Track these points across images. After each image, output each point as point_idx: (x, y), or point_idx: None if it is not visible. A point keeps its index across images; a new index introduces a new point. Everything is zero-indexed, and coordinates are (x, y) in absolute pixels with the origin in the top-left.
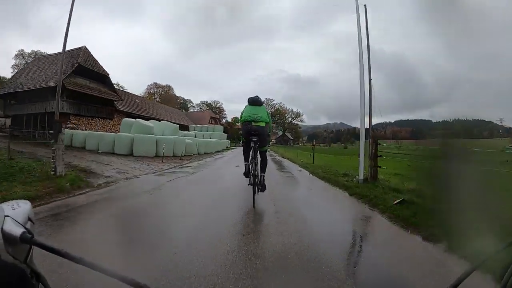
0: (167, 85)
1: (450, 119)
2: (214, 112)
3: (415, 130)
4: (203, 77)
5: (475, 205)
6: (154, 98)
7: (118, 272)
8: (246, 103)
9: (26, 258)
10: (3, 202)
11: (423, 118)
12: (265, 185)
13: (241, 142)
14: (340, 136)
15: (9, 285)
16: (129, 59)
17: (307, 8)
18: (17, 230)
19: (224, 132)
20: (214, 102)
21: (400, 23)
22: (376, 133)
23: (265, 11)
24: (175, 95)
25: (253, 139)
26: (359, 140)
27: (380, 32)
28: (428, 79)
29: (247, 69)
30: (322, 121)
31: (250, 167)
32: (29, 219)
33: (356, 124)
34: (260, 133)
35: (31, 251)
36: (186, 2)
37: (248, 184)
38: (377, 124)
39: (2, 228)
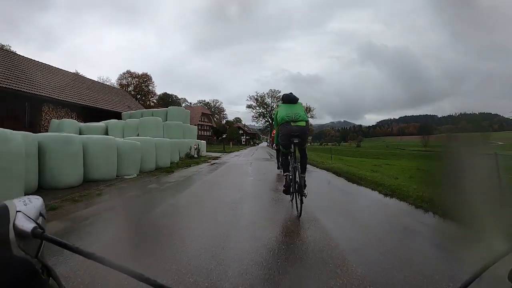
0: (144, 73)
1: (456, 114)
2: (211, 110)
3: (423, 125)
4: (205, 80)
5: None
6: (129, 91)
7: (129, 268)
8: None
9: (37, 253)
10: (15, 198)
11: (428, 114)
12: (305, 185)
13: (273, 147)
14: (346, 134)
15: (20, 280)
16: (129, 61)
17: (310, 6)
18: (29, 225)
19: (217, 132)
20: (214, 101)
21: (402, 16)
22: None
23: (267, 11)
24: (153, 90)
25: (294, 141)
26: (368, 137)
27: (383, 27)
28: (433, 73)
29: (250, 70)
30: (327, 119)
31: (291, 178)
32: (41, 215)
33: (361, 121)
34: (301, 133)
35: (42, 246)
36: (186, 5)
37: (291, 200)
38: (382, 121)
39: (14, 223)
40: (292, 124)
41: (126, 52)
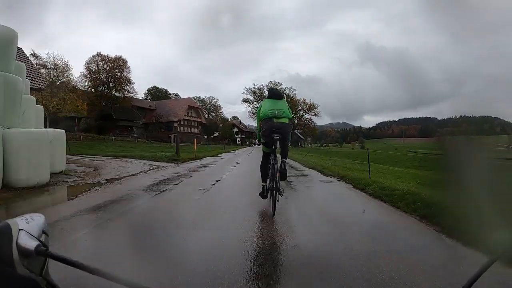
0: (118, 57)
1: (456, 116)
2: (206, 108)
3: (424, 127)
4: (203, 80)
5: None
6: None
7: (136, 282)
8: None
9: (42, 270)
10: (17, 216)
11: (428, 116)
12: (286, 172)
13: (256, 144)
14: (346, 135)
15: None
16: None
17: (308, 7)
18: (32, 243)
19: (208, 130)
20: (209, 98)
21: (401, 17)
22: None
23: (264, 12)
24: (129, 78)
25: (275, 137)
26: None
27: (381, 28)
28: (433, 75)
29: (248, 70)
30: (325, 120)
31: (268, 186)
32: (44, 232)
33: (359, 122)
34: (283, 130)
35: (47, 263)
36: (184, 6)
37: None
38: (381, 123)
39: (17, 242)
40: (275, 120)
41: (123, 51)
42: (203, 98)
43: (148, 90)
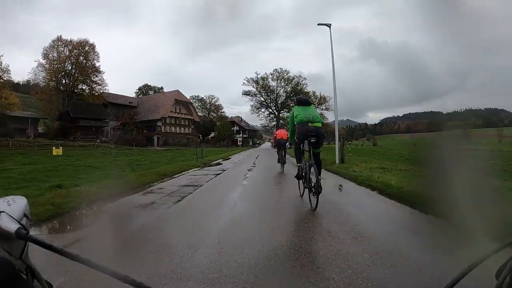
0: (83, 40)
1: (461, 110)
2: (206, 107)
3: (431, 122)
4: (205, 81)
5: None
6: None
7: (114, 270)
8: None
9: (21, 254)
10: None
11: (433, 110)
12: (321, 186)
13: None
14: (352, 133)
15: (3, 281)
16: (128, 65)
17: (305, 5)
18: (12, 226)
19: (202, 129)
20: (209, 97)
21: (403, 10)
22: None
23: (262, 11)
24: (97, 67)
25: (311, 140)
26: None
27: (383, 23)
28: (436, 69)
29: (251, 70)
30: (329, 118)
31: (304, 170)
32: (25, 215)
33: (363, 119)
34: (318, 134)
35: (27, 247)
36: (181, 7)
37: (301, 196)
38: (386, 119)
39: None
40: (310, 124)
41: (123, 54)
42: (202, 97)
43: (139, 88)
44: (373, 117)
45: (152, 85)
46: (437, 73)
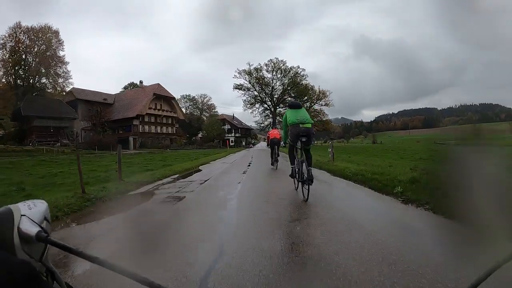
0: (45, 26)
1: (456, 106)
2: (198, 107)
3: (427, 118)
4: (199, 82)
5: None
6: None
7: (133, 272)
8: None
9: (42, 256)
10: (20, 202)
11: (428, 106)
12: (312, 176)
13: (277, 145)
14: (348, 131)
15: (24, 283)
16: (126, 64)
17: (299, 4)
18: (33, 229)
19: (187, 128)
20: (201, 96)
21: (397, 6)
22: (385, 125)
23: (260, 11)
24: (62, 57)
25: (302, 140)
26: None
27: (376, 20)
28: (431, 65)
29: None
30: (329, 115)
31: (297, 169)
32: (45, 219)
33: (358, 117)
34: (308, 133)
35: (47, 250)
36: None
37: (296, 188)
38: (381, 116)
39: (18, 227)
40: (301, 125)
41: (119, 55)
42: (194, 97)
43: (125, 87)
44: (368, 115)
45: (137, 82)
46: (432, 68)
